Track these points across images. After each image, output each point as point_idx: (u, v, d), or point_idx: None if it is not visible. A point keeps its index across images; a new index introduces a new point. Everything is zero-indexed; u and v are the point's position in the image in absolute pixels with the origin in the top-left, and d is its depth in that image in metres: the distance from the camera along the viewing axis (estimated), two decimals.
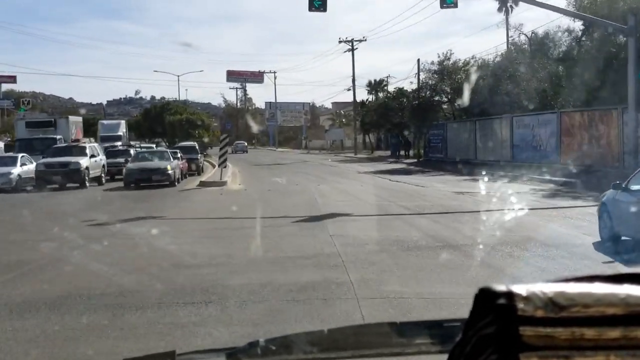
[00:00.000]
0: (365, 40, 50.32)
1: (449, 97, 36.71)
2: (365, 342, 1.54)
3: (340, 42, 51.21)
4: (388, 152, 49.77)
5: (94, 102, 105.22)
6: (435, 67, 36.79)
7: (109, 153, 27.59)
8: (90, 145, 26.01)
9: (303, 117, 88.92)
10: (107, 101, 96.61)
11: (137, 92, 55.47)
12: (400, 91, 43.18)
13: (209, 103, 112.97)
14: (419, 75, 38.72)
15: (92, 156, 23.81)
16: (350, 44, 51.46)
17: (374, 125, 48.80)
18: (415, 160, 38.58)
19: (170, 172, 22.00)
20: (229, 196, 18.05)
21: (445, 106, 38.16)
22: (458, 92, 33.46)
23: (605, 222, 9.30)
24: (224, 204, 15.97)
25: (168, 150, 27.27)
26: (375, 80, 60.51)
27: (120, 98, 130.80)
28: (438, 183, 21.85)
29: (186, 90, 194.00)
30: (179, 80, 66.94)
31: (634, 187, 9.14)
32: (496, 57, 36.90)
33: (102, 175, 24.41)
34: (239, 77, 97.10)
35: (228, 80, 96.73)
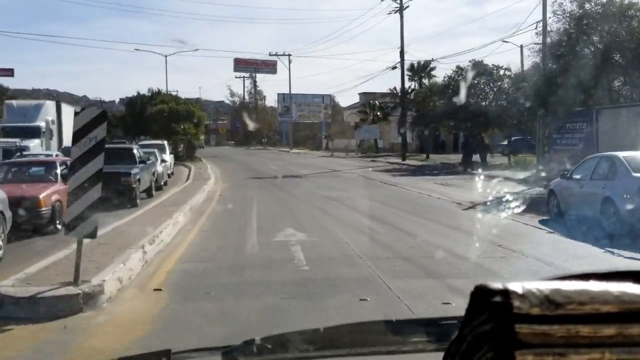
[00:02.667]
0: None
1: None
2: (361, 340, 1.53)
3: None
4: (446, 157, 39.37)
5: (107, 100, 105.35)
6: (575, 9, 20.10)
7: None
8: None
9: (323, 111, 78.95)
10: (120, 99, 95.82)
11: (150, 90, 48.88)
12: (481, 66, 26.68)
13: (221, 101, 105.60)
14: (544, 25, 21.77)
15: None
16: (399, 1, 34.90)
17: (432, 119, 37.29)
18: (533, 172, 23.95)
19: None
20: None
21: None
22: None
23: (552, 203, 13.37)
24: None
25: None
26: (419, 64, 44.34)
27: (133, 95, 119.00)
28: None
29: (199, 88, 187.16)
30: (166, 61, 50.45)
31: (575, 177, 12.85)
32: None
33: None
34: (248, 66, 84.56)
35: (236, 70, 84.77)
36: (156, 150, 22.44)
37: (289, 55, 67.22)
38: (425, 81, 52.16)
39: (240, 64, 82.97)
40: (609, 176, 11.52)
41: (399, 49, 39.46)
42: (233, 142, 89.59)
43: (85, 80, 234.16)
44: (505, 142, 36.68)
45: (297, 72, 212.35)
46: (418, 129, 39.24)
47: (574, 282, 0.64)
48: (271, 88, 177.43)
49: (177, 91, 59.44)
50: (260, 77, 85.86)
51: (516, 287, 0.62)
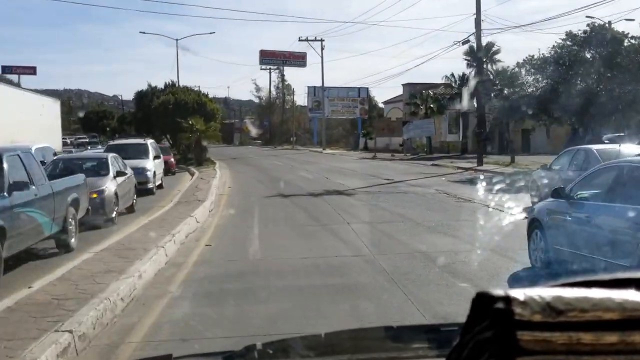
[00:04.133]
0: None
1: None
2: (362, 347, 1.53)
3: None
4: (536, 159, 25.88)
5: (128, 98, 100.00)
6: None
7: None
8: None
9: (359, 106, 67.95)
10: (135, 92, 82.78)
11: (165, 84, 44.29)
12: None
13: (249, 100, 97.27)
14: None
15: None
16: None
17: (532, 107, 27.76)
18: None
19: None
20: None
21: None
22: None
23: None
24: None
25: None
26: (480, 46, 34.55)
27: (142, 89, 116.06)
28: None
29: (228, 87, 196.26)
30: (177, 45, 40.71)
31: (554, 167, 13.73)
32: None
33: None
34: (275, 58, 74.98)
35: (262, 62, 75.16)
36: (111, 158, 13.97)
37: (322, 40, 57.92)
38: (489, 67, 42.38)
39: (267, 56, 74.21)
40: (584, 167, 11.53)
41: (473, 16, 28.83)
42: (260, 141, 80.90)
43: (116, 79, 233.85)
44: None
45: (327, 64, 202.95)
46: (500, 122, 29.66)
47: (575, 289, 0.63)
48: (300, 83, 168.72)
49: (198, 86, 50.74)
50: (288, 72, 77.27)
51: (518, 293, 0.62)
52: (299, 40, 60.06)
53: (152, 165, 19.21)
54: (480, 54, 41.44)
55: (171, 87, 41.77)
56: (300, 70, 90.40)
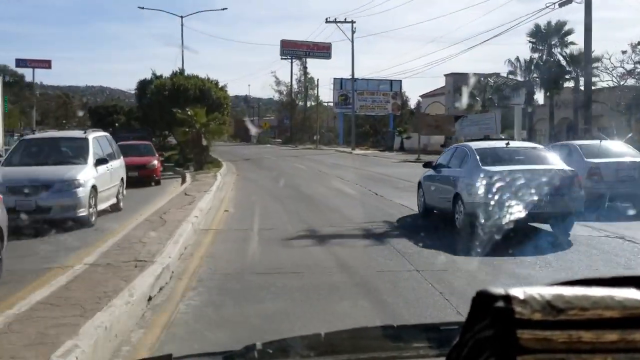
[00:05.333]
0: None
1: None
2: (362, 346, 1.51)
3: None
4: None
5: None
6: None
7: None
8: None
9: (391, 101, 60.23)
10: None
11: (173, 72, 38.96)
12: None
13: (270, 98, 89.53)
14: None
15: None
16: None
17: None
18: None
19: None
20: None
21: None
22: None
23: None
24: None
25: None
26: (550, 24, 26.33)
27: (145, 78, 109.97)
28: None
29: (249, 85, 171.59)
30: (182, 24, 32.62)
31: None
32: None
33: None
34: (297, 49, 67.59)
35: (283, 54, 67.44)
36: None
37: (352, 22, 49.66)
38: (558, 50, 34.19)
39: (288, 47, 66.65)
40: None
41: None
42: (280, 140, 73.05)
43: (138, 77, 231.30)
44: None
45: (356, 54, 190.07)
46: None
47: (575, 287, 0.63)
48: (320, 77, 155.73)
49: (216, 80, 42.99)
50: (310, 65, 69.17)
51: (518, 292, 0.62)
52: (326, 21, 51.85)
53: (89, 175, 11.14)
54: (534, 40, 33.25)
55: (175, 76, 34.33)
56: (323, 62, 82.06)
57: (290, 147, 56.40)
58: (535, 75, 34.04)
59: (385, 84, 59.98)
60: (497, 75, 39.00)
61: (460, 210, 9.95)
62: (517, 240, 8.44)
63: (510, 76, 35.88)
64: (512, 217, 8.32)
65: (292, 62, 69.71)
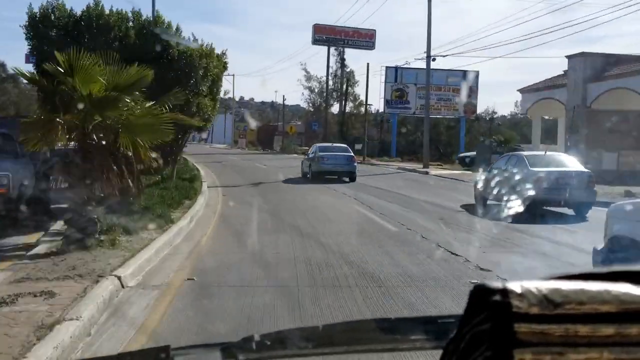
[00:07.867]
0: None
1: None
2: (359, 338, 1.49)
3: None
4: None
5: None
6: None
7: None
8: None
9: (464, 100, 45.71)
10: None
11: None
12: None
13: (297, 105, 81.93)
14: None
15: None
16: None
17: None
18: None
19: None
20: None
21: None
22: None
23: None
24: None
25: None
26: None
27: None
28: None
29: (275, 92, 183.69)
30: None
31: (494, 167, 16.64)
32: None
33: None
34: (333, 36, 54.23)
35: (315, 42, 54.52)
36: None
37: None
38: None
39: (322, 33, 52.03)
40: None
41: None
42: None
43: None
44: None
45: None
46: None
47: (573, 282, 0.64)
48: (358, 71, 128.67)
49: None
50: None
51: (515, 286, 0.62)
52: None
53: None
54: None
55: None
56: (364, 53, 66.70)
57: None
58: None
59: (457, 75, 44.30)
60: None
61: None
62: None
63: None
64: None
65: (329, 51, 54.66)
